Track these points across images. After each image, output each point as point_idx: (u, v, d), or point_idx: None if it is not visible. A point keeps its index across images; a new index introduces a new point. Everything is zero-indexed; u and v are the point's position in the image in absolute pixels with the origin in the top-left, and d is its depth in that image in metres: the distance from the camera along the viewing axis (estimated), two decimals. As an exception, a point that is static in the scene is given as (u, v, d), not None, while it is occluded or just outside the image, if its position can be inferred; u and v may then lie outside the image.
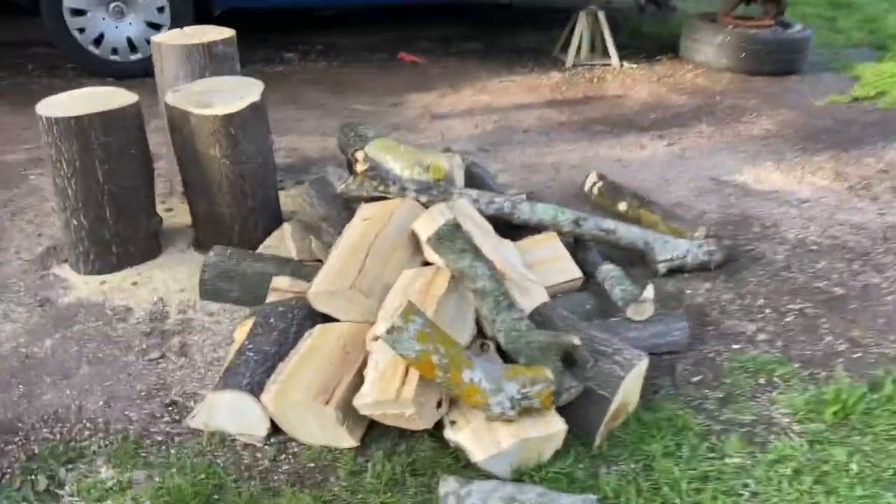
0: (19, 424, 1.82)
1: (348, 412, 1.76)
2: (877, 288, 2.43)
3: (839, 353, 2.14)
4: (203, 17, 4.35)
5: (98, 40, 4.14)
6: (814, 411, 1.90)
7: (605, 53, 4.83)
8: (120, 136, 2.23)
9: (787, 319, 2.29)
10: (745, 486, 1.69)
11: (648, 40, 5.28)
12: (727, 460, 1.76)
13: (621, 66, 4.77)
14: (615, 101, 4.19)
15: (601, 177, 2.96)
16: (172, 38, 2.66)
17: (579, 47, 4.82)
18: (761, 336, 2.22)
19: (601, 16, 4.75)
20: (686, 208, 2.95)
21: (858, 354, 2.13)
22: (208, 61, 2.66)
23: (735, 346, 2.17)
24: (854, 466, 1.74)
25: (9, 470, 1.69)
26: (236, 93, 2.35)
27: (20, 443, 1.77)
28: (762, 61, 4.54)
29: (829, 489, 1.68)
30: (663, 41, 5.18)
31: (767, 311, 2.33)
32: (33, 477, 1.67)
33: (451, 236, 1.90)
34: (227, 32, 2.75)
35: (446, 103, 4.07)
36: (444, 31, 5.53)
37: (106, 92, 2.34)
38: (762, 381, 2.04)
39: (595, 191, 2.92)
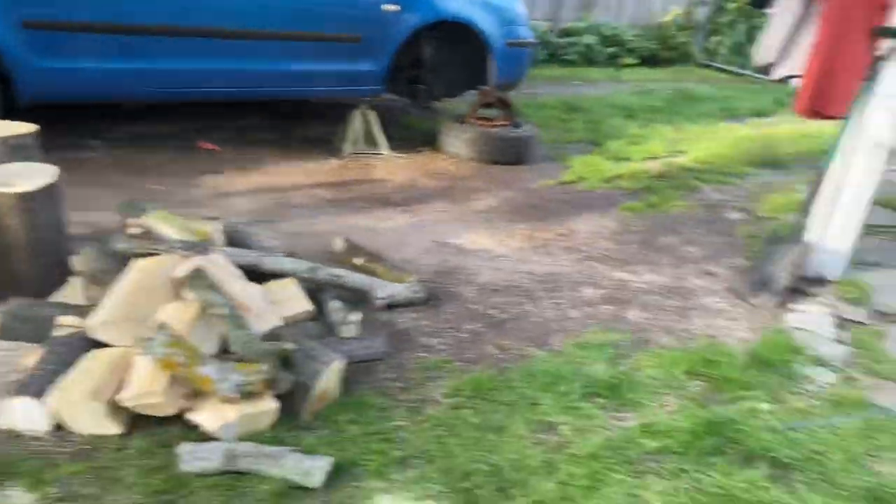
0: None
1: (114, 408, 2.39)
2: (529, 314, 3.44)
3: (490, 355, 3.08)
4: (11, 110, 4.83)
5: None
6: (458, 390, 2.79)
7: (378, 144, 5.84)
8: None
9: (462, 335, 3.21)
10: (400, 436, 2.51)
11: (416, 133, 6.38)
12: (392, 423, 2.58)
13: (390, 155, 5.79)
14: (378, 183, 5.15)
15: (346, 240, 3.82)
16: (-24, 131, 3.22)
17: (356, 138, 5.79)
18: (441, 347, 3.11)
19: (371, 114, 5.78)
20: (412, 262, 3.86)
21: (502, 356, 3.08)
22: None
23: (421, 354, 3.04)
24: (475, 420, 2.62)
25: None
26: (34, 176, 2.97)
27: None
28: (497, 153, 5.75)
29: (455, 433, 2.54)
30: (428, 135, 6.30)
31: (450, 330, 3.24)
32: None
33: (197, 276, 2.62)
34: (29, 128, 3.34)
35: (235, 184, 4.81)
36: (242, 121, 6.31)
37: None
38: (432, 374, 2.91)
39: (340, 250, 3.76)
